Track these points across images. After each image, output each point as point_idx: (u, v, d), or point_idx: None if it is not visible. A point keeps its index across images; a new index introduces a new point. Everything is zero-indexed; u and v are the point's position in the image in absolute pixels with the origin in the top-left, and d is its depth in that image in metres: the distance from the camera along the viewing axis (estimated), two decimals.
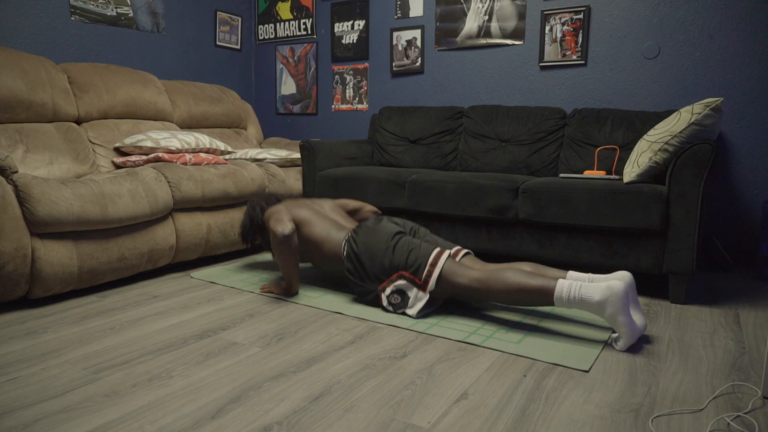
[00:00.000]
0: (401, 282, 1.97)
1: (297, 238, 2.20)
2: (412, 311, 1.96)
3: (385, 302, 2.01)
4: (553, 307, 2.11)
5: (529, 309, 2.09)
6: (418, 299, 1.95)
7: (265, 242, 2.49)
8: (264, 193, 2.56)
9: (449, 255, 1.96)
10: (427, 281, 1.92)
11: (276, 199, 2.52)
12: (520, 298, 1.78)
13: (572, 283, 1.70)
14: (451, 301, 2.18)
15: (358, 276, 2.07)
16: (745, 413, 1.32)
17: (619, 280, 1.74)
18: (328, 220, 2.26)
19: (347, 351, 1.67)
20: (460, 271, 1.89)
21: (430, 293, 1.96)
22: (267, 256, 2.96)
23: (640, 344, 1.76)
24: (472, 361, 1.61)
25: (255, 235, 2.48)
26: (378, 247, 2.02)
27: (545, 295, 1.73)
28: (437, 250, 1.96)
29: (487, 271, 1.85)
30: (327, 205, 2.42)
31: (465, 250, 2.11)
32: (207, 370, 1.53)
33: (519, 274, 1.79)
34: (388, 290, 1.99)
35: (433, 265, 1.92)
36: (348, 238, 2.13)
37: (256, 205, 2.48)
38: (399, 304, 1.98)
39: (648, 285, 2.50)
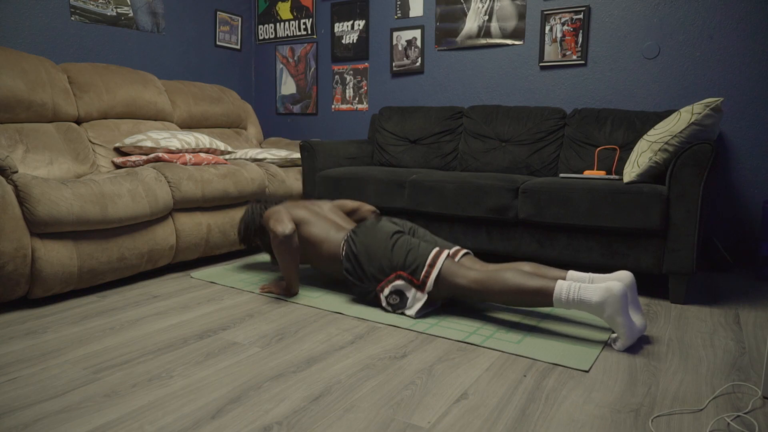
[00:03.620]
0: (399, 282, 1.97)
1: (297, 239, 2.20)
2: (410, 312, 1.96)
3: (383, 302, 2.01)
4: (553, 308, 2.11)
5: (529, 309, 2.09)
6: (417, 299, 1.95)
7: (264, 244, 2.49)
8: (262, 195, 2.56)
9: (448, 255, 1.95)
10: (425, 282, 1.92)
11: (274, 200, 2.52)
12: (519, 299, 1.78)
13: (571, 285, 1.70)
14: (450, 301, 2.18)
15: (357, 276, 2.07)
16: (745, 413, 1.32)
17: (619, 280, 1.74)
18: (327, 221, 2.26)
19: (347, 351, 1.67)
20: (458, 272, 1.89)
21: (429, 294, 1.96)
22: (267, 256, 2.96)
23: (640, 344, 1.76)
24: (472, 361, 1.61)
25: (254, 237, 2.49)
26: (376, 247, 2.02)
27: (544, 297, 1.73)
28: (436, 250, 1.96)
29: (486, 272, 1.85)
30: (326, 206, 2.43)
31: (464, 250, 2.11)
32: (207, 370, 1.53)
33: (518, 274, 1.79)
34: (387, 291, 1.99)
35: (432, 265, 1.92)
36: (347, 239, 2.13)
37: (255, 206, 2.48)
38: (398, 305, 1.98)
39: (648, 285, 2.50)
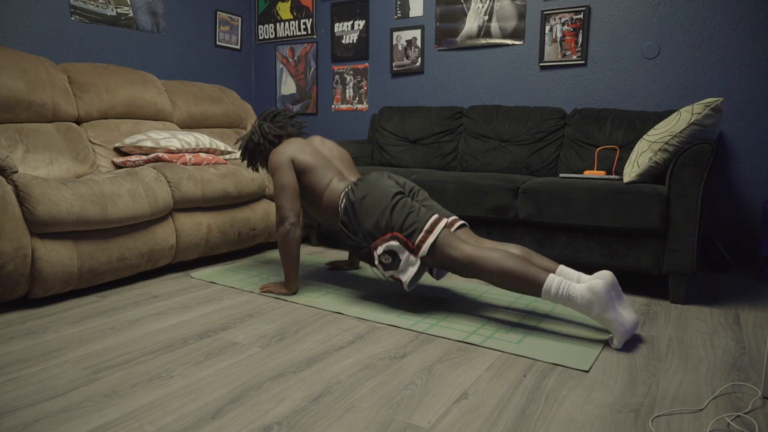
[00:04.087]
0: (394, 243, 1.95)
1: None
2: (404, 277, 1.95)
3: (376, 260, 2.00)
4: (552, 307, 2.11)
5: (528, 309, 2.09)
6: (410, 263, 1.94)
7: (265, 165, 2.43)
8: (272, 114, 2.39)
9: (446, 224, 1.95)
10: (420, 246, 1.91)
11: (281, 128, 2.35)
12: (508, 282, 1.79)
13: (562, 281, 1.72)
14: (451, 300, 2.18)
15: (351, 230, 2.06)
16: (745, 413, 1.32)
17: (600, 278, 1.73)
18: (332, 169, 2.23)
19: (347, 351, 1.67)
20: (454, 243, 1.89)
21: (422, 259, 1.95)
22: (267, 256, 2.96)
23: (640, 344, 1.76)
24: (472, 361, 1.61)
25: (256, 164, 2.44)
26: (376, 205, 2.00)
27: (534, 286, 1.74)
28: (435, 216, 1.95)
29: (480, 248, 1.85)
30: (335, 151, 2.36)
31: (461, 221, 2.08)
32: (207, 370, 1.53)
33: (512, 259, 1.79)
34: (380, 249, 1.98)
35: (429, 231, 1.91)
36: (347, 191, 2.12)
37: (261, 136, 2.33)
38: (389, 265, 1.97)
39: (648, 285, 2.50)
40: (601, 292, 1.65)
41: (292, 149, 2.22)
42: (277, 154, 2.21)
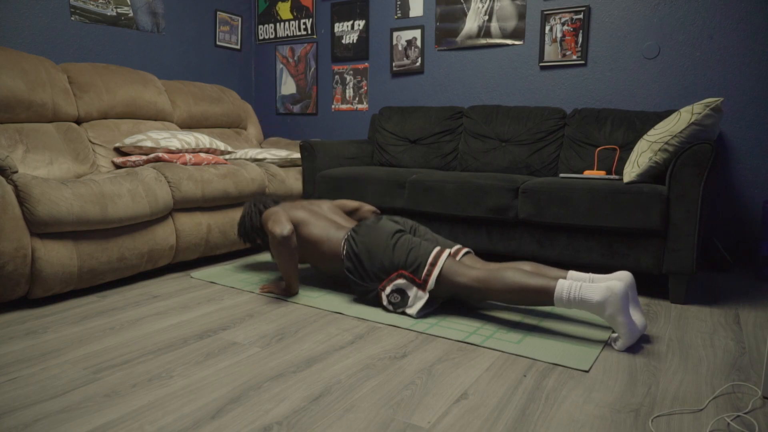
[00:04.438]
0: (401, 281, 1.97)
1: (296, 239, 2.20)
2: (412, 310, 1.96)
3: (385, 301, 2.01)
4: (553, 307, 2.11)
5: (529, 309, 2.09)
6: (418, 298, 1.95)
7: (265, 243, 2.49)
8: (261, 195, 2.56)
9: (449, 254, 1.96)
10: (426, 280, 1.92)
11: (273, 201, 2.52)
12: (520, 297, 1.78)
13: (572, 284, 1.70)
14: (451, 301, 2.18)
15: (358, 275, 2.07)
16: (745, 413, 1.32)
17: (619, 280, 1.74)
18: (327, 220, 2.26)
19: (347, 351, 1.67)
20: (460, 270, 1.89)
21: (430, 292, 1.96)
22: (267, 256, 2.96)
23: (640, 344, 1.76)
24: (472, 361, 1.61)
25: (255, 237, 2.49)
26: (378, 246, 2.02)
27: (545, 295, 1.73)
28: (437, 249, 1.96)
29: (487, 270, 1.85)
30: (325, 206, 2.43)
31: (465, 249, 2.11)
32: (207, 370, 1.53)
33: (519, 273, 1.79)
34: (388, 289, 1.99)
35: (433, 264, 1.92)
36: (347, 237, 2.13)
37: (254, 207, 2.48)
38: (399, 303, 1.98)
39: (648, 285, 2.50)
40: (620, 293, 1.63)
41: (285, 206, 2.32)
42: (269, 210, 2.28)
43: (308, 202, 2.43)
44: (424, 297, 1.94)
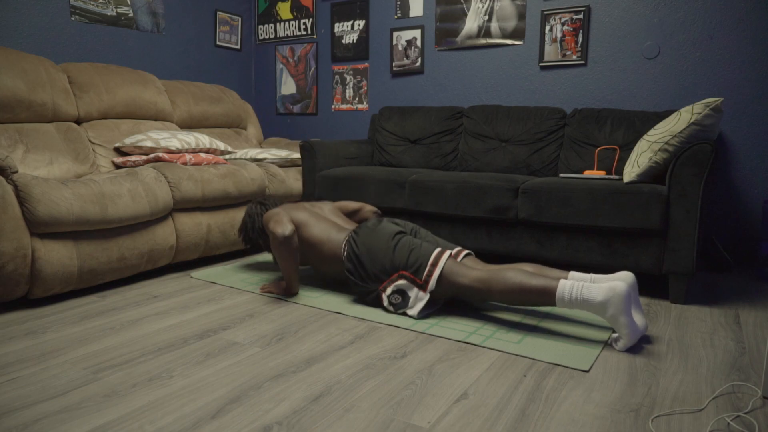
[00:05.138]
0: (402, 282, 1.97)
1: (297, 239, 2.20)
2: (412, 311, 1.96)
3: (385, 302, 2.01)
4: (553, 307, 2.11)
5: (529, 309, 2.09)
6: (419, 299, 1.95)
7: (266, 244, 2.50)
8: (262, 197, 2.56)
9: (450, 255, 1.96)
10: (427, 281, 1.92)
11: (274, 202, 2.53)
12: (521, 298, 1.78)
13: (574, 284, 1.70)
14: (451, 301, 2.18)
15: (359, 276, 2.07)
16: (745, 413, 1.32)
17: (621, 280, 1.74)
18: (328, 222, 2.26)
19: (347, 351, 1.67)
20: (461, 271, 1.89)
21: (431, 293, 1.96)
22: (267, 256, 2.96)
23: (640, 344, 1.76)
24: (472, 361, 1.61)
25: (256, 239, 2.49)
26: (379, 247, 2.02)
27: (547, 296, 1.73)
28: (438, 250, 1.96)
29: (488, 271, 1.85)
30: (326, 207, 2.43)
31: (466, 251, 2.11)
32: (207, 370, 1.53)
33: (521, 274, 1.79)
34: (389, 290, 1.99)
35: (434, 265, 1.92)
36: (348, 239, 2.13)
37: (254, 208, 2.50)
38: (399, 304, 1.98)
39: (648, 285, 2.50)
40: (622, 294, 1.63)
41: (286, 208, 2.32)
42: (271, 212, 2.28)
43: (309, 203, 2.44)
44: (425, 298, 1.94)
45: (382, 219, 2.18)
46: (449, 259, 1.94)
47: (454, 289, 1.90)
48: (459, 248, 2.11)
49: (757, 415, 1.32)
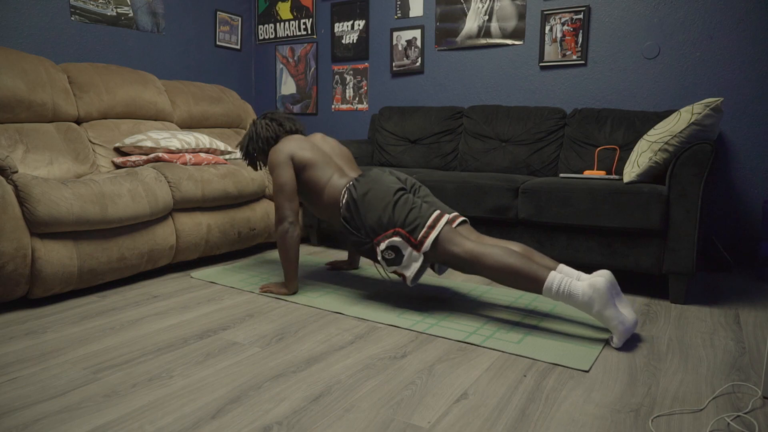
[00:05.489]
0: (396, 239, 1.96)
1: (298, 185, 2.18)
2: (408, 272, 1.96)
3: (379, 256, 2.01)
4: (554, 307, 2.11)
5: (529, 309, 2.09)
6: (413, 259, 1.95)
7: (264, 165, 2.45)
8: (271, 112, 2.42)
9: (447, 220, 1.96)
10: (422, 242, 1.92)
11: (286, 128, 2.37)
12: (509, 279, 1.79)
13: (564, 278, 1.73)
14: (451, 300, 2.18)
15: (354, 226, 2.07)
16: (745, 413, 1.32)
17: (599, 276, 1.74)
18: (333, 165, 2.23)
19: (347, 351, 1.67)
20: (455, 239, 1.90)
21: (424, 254, 1.95)
22: (267, 256, 2.96)
23: (640, 344, 1.76)
24: (472, 361, 1.61)
25: (255, 162, 2.43)
26: (378, 201, 2.01)
27: (535, 283, 1.75)
28: (437, 212, 1.96)
29: (482, 245, 1.86)
30: (337, 148, 2.35)
31: (462, 218, 2.09)
32: (207, 370, 1.53)
33: (514, 256, 1.80)
34: (383, 245, 1.98)
35: (431, 227, 1.92)
36: (349, 187, 2.12)
37: (262, 124, 2.36)
38: (392, 260, 1.98)
39: (648, 285, 2.50)
40: (603, 288, 1.66)
41: (292, 146, 2.22)
42: (276, 151, 2.21)
43: (321, 137, 2.35)
44: (419, 259, 1.94)
45: (385, 170, 2.16)
46: (446, 225, 1.94)
47: (446, 256, 1.91)
48: (455, 214, 2.09)
49: (757, 415, 1.32)
